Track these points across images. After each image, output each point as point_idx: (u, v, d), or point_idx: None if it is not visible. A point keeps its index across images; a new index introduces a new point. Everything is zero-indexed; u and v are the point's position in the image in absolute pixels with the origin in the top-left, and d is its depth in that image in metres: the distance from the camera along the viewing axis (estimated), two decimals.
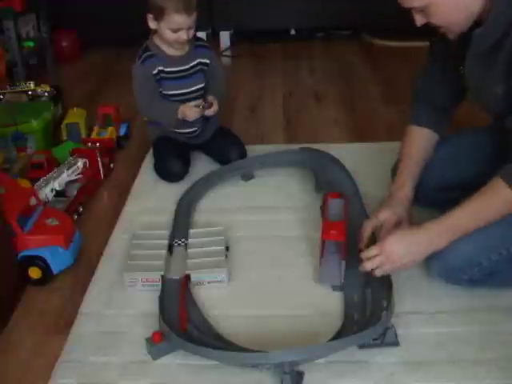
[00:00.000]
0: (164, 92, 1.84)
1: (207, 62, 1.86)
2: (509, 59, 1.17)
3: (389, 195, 1.43)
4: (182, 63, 1.82)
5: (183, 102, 1.84)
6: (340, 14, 3.20)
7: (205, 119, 1.90)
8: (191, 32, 1.74)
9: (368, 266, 1.25)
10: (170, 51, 1.81)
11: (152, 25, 1.75)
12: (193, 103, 1.82)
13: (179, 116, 1.80)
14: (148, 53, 1.79)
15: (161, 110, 1.84)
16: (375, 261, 1.24)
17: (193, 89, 1.86)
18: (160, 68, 1.80)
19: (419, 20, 1.20)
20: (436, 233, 1.23)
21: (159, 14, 1.69)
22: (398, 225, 1.36)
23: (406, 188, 1.41)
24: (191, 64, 1.84)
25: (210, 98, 1.84)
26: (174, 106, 1.81)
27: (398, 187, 1.42)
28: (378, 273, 1.26)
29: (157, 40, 1.80)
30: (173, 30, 1.71)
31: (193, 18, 1.71)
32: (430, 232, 1.23)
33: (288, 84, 2.74)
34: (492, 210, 1.20)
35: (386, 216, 1.36)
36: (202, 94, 1.88)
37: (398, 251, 1.24)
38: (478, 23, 1.19)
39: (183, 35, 1.72)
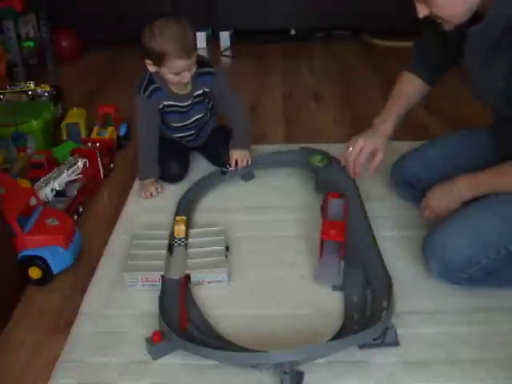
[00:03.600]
0: (165, 122, 1.84)
1: (207, 90, 1.81)
2: None
3: (371, 127, 1.57)
4: (185, 99, 1.79)
5: (183, 131, 1.88)
6: (340, 14, 3.20)
7: (200, 125, 1.90)
8: (193, 69, 1.69)
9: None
10: (174, 88, 1.76)
11: (152, 69, 1.70)
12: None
13: (140, 180, 1.83)
14: (154, 86, 1.74)
15: (145, 158, 1.83)
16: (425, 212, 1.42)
17: (192, 120, 1.86)
18: (165, 103, 1.77)
19: (422, 11, 1.22)
20: (462, 184, 1.33)
21: (159, 60, 1.64)
22: (374, 153, 1.55)
23: (387, 123, 1.55)
24: (194, 95, 1.80)
25: (234, 159, 1.84)
26: (152, 170, 1.82)
27: (381, 121, 1.57)
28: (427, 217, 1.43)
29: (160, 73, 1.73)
30: (175, 74, 1.66)
31: (194, 58, 1.66)
32: (458, 183, 1.34)
33: (288, 84, 2.74)
34: (508, 182, 1.28)
35: (362, 144, 1.54)
36: (208, 121, 1.91)
37: (433, 199, 1.40)
38: (475, 17, 1.20)
39: (186, 75, 1.67)
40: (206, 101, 1.86)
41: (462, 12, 1.19)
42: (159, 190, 1.81)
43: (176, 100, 1.78)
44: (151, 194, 1.79)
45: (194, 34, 1.67)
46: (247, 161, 1.84)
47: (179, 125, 1.86)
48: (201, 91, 1.81)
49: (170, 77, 1.68)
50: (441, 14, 1.21)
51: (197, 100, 1.82)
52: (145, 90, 1.74)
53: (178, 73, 1.66)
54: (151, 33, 1.62)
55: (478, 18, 1.19)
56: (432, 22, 1.26)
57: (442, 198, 1.38)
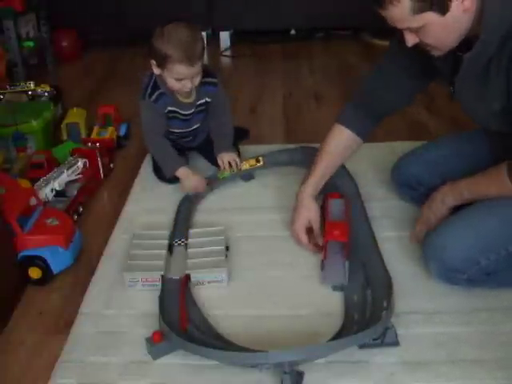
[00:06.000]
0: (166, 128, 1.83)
1: (209, 100, 1.81)
2: (507, 77, 1.16)
3: (297, 196, 1.54)
4: (188, 107, 1.78)
5: (181, 135, 1.86)
6: (340, 14, 3.20)
7: (196, 132, 1.89)
8: (197, 80, 1.67)
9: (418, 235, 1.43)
10: (178, 95, 1.74)
11: (156, 71, 1.68)
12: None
13: (177, 175, 1.75)
14: (159, 91, 1.71)
15: (163, 155, 1.79)
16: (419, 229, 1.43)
17: (192, 128, 1.86)
18: (170, 108, 1.75)
19: (411, 40, 1.20)
20: (443, 193, 1.37)
21: (162, 62, 1.62)
22: (311, 226, 1.50)
23: (308, 190, 1.52)
24: (197, 104, 1.79)
25: (226, 161, 1.82)
26: (177, 162, 1.76)
27: (302, 190, 1.53)
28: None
29: (159, 75, 1.71)
30: (176, 80, 1.65)
31: (198, 68, 1.64)
32: (441, 191, 1.38)
33: (288, 84, 2.74)
34: (489, 191, 1.29)
35: (296, 231, 1.50)
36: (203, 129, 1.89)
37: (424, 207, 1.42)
38: (465, 42, 1.19)
39: (188, 84, 1.65)
40: (205, 111, 1.84)
41: (451, 39, 1.19)
42: (204, 185, 1.75)
43: (179, 107, 1.77)
44: (196, 188, 1.74)
45: (204, 44, 1.65)
46: (236, 162, 1.83)
47: (178, 131, 1.85)
48: (203, 101, 1.80)
49: (172, 82, 1.66)
50: (430, 42, 1.19)
51: (199, 109, 1.82)
52: (150, 95, 1.72)
53: (179, 79, 1.65)
54: (160, 33, 1.61)
55: (467, 43, 1.18)
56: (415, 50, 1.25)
57: (429, 206, 1.40)
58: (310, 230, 1.50)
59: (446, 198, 1.36)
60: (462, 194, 1.33)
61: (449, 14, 1.12)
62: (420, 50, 1.24)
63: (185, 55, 1.59)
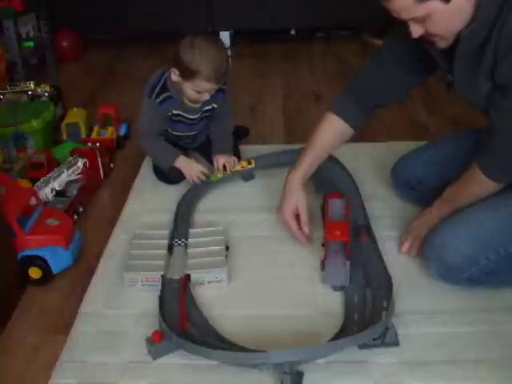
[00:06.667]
0: (168, 130, 1.83)
1: (216, 107, 1.81)
2: (494, 57, 1.17)
3: (285, 183, 1.52)
4: (194, 112, 1.79)
5: (180, 140, 1.87)
6: (340, 14, 3.20)
7: (197, 134, 1.90)
8: (214, 91, 1.70)
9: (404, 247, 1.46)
10: (186, 100, 1.74)
11: (175, 78, 1.67)
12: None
13: (175, 165, 1.77)
14: (166, 93, 1.72)
15: (159, 150, 1.80)
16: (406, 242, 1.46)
17: (195, 132, 1.87)
18: (175, 112, 1.75)
19: (416, 31, 1.20)
20: (437, 207, 1.43)
21: (189, 75, 1.63)
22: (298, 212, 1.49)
23: (297, 176, 1.50)
24: (203, 110, 1.80)
25: (221, 163, 1.81)
26: (173, 153, 1.77)
27: (291, 176, 1.51)
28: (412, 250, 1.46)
29: (176, 82, 1.71)
30: (196, 92, 1.67)
31: (220, 84, 1.69)
32: (432, 210, 1.44)
33: (288, 84, 2.74)
34: (471, 193, 1.34)
35: (283, 218, 1.49)
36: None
37: (414, 225, 1.47)
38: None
39: (206, 96, 1.68)
40: (209, 116, 1.85)
41: (456, 27, 1.18)
42: (204, 171, 1.76)
43: (185, 111, 1.77)
44: (199, 178, 1.76)
45: (229, 60, 1.68)
46: (234, 161, 1.83)
47: (181, 134, 1.85)
48: (210, 107, 1.81)
49: (190, 93, 1.68)
50: (436, 31, 1.19)
51: (204, 115, 1.82)
52: (157, 96, 1.72)
53: (199, 92, 1.67)
54: (191, 47, 1.61)
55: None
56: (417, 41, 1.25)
57: (422, 220, 1.46)
58: (298, 219, 1.50)
59: (440, 213, 1.39)
60: (451, 205, 1.38)
61: (452, 2, 1.12)
62: (424, 41, 1.24)
63: (215, 75, 1.62)
